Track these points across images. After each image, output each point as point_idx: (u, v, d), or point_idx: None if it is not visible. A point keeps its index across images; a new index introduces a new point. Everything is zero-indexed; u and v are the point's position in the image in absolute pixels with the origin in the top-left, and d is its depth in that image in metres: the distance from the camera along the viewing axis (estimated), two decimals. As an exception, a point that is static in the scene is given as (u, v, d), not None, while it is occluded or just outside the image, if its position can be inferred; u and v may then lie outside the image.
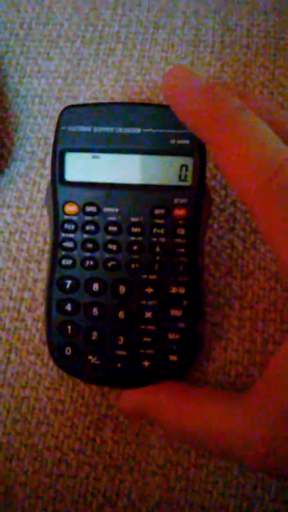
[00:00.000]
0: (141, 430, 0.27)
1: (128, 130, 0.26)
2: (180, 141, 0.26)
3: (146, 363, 0.26)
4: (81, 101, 0.35)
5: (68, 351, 0.26)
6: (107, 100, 0.35)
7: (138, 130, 0.26)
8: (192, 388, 0.25)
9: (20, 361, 0.29)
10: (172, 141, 0.26)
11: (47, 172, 0.33)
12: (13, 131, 0.34)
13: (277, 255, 0.20)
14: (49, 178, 0.32)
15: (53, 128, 0.34)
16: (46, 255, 0.31)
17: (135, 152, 0.26)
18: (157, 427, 0.27)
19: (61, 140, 0.27)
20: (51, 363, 0.28)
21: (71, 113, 0.27)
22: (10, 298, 0.30)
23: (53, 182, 0.27)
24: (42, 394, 0.28)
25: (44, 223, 0.32)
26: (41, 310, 0.29)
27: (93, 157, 0.26)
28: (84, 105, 0.28)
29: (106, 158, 0.26)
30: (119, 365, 0.26)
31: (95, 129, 0.26)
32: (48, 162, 0.33)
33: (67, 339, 0.26)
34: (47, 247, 0.31)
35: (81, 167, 0.27)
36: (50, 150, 0.33)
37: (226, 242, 0.31)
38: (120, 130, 0.26)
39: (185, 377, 0.27)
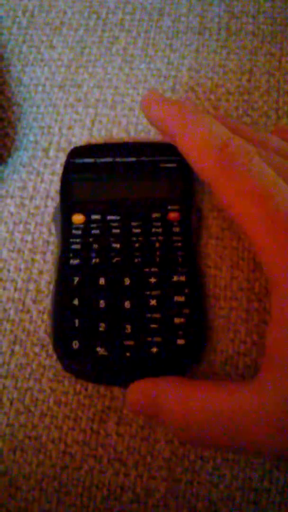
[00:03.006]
0: (146, 423, 0.27)
1: (125, 160, 0.31)
2: (169, 165, 0.30)
3: (154, 349, 0.26)
4: (84, 89, 0.35)
5: (75, 344, 0.26)
6: (111, 90, 0.35)
7: (134, 159, 0.31)
8: (196, 380, 0.25)
9: (24, 353, 0.28)
10: (162, 165, 0.30)
11: (51, 162, 0.33)
12: (16, 120, 0.34)
13: (240, 224, 0.24)
14: (52, 168, 0.32)
15: (56, 117, 0.34)
16: (51, 247, 0.30)
17: (132, 175, 0.30)
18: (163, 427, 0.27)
19: (69, 169, 0.31)
20: (55, 354, 0.28)
21: (78, 150, 0.32)
22: (15, 289, 0.30)
23: (62, 203, 0.30)
24: (45, 385, 0.28)
25: (48, 214, 0.31)
26: (46, 302, 0.29)
27: (97, 181, 0.30)
28: (89, 144, 0.33)
29: (107, 181, 0.30)
30: (127, 354, 0.26)
31: (98, 160, 0.31)
32: (52, 152, 0.33)
33: (75, 332, 0.26)
34: (52, 238, 0.31)
35: (86, 189, 0.30)
36: (54, 139, 0.33)
37: (232, 235, 0.30)
38: (118, 159, 0.31)
39: (195, 366, 0.27)
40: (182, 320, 0.27)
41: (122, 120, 0.34)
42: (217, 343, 0.28)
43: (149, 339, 0.26)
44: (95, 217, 0.29)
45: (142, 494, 0.26)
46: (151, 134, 0.33)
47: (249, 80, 0.35)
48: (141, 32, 0.36)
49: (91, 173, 0.31)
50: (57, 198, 0.31)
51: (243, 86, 0.34)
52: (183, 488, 0.26)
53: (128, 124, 0.34)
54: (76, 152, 0.31)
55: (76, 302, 0.27)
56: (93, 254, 0.28)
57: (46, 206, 0.32)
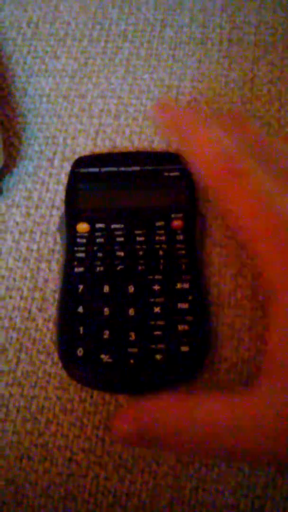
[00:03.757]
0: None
1: (129, 169, 0.31)
2: (172, 173, 0.31)
3: (158, 357, 0.26)
4: (89, 99, 0.35)
5: (80, 352, 0.26)
6: (114, 100, 0.35)
7: (138, 168, 0.31)
8: (192, 394, 0.25)
9: (30, 361, 0.29)
10: (166, 174, 0.31)
11: (56, 171, 0.33)
12: (21, 131, 0.34)
13: (242, 232, 0.24)
14: (57, 178, 0.33)
15: (60, 127, 0.34)
16: (56, 255, 0.31)
17: (136, 184, 0.31)
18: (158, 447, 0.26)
19: (74, 179, 0.31)
20: (60, 362, 0.28)
21: (82, 159, 0.32)
22: (21, 298, 0.30)
23: (66, 212, 0.30)
24: (51, 393, 0.28)
25: (54, 223, 0.32)
26: (51, 310, 0.29)
27: (101, 189, 0.31)
28: (93, 154, 0.33)
29: (112, 190, 0.31)
30: (131, 361, 0.26)
31: (102, 170, 0.31)
32: (57, 162, 0.33)
33: (80, 340, 0.27)
34: (57, 247, 0.31)
35: (91, 199, 0.31)
36: (58, 149, 0.34)
37: (236, 242, 0.30)
38: (123, 169, 0.31)
39: (199, 373, 0.27)
40: (185, 327, 0.27)
41: (125, 129, 0.34)
42: (221, 350, 0.28)
43: (153, 346, 0.26)
44: (99, 225, 0.29)
45: (147, 501, 0.26)
46: (155, 144, 0.34)
47: (251, 90, 0.35)
48: (144, 43, 0.37)
49: (96, 182, 0.31)
50: (62, 207, 0.32)
51: (245, 96, 0.35)
52: (188, 495, 0.26)
53: (132, 134, 0.34)
54: (81, 162, 0.32)
55: (80, 309, 0.27)
56: (98, 262, 0.29)
57: (51, 215, 0.32)
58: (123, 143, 0.34)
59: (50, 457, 0.27)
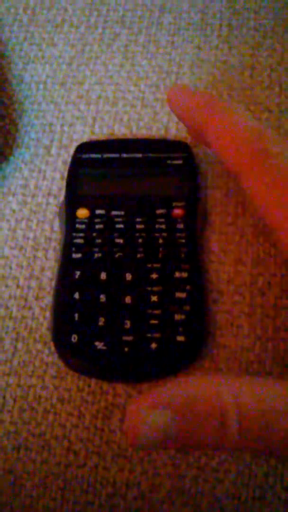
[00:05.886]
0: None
1: (132, 155, 0.31)
2: (175, 161, 0.30)
3: (153, 345, 0.26)
4: (86, 86, 0.35)
5: (74, 338, 0.26)
6: (112, 86, 0.34)
7: (140, 155, 0.31)
8: (233, 375, 0.24)
9: (27, 350, 0.28)
10: (169, 161, 0.30)
11: (52, 159, 0.33)
12: (18, 118, 0.34)
13: (271, 216, 0.23)
14: (54, 166, 0.32)
15: (57, 114, 0.34)
16: (53, 244, 0.30)
17: (138, 171, 0.30)
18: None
19: (76, 164, 0.31)
20: (55, 348, 0.28)
21: (85, 145, 0.32)
22: (17, 286, 0.30)
23: (67, 197, 0.30)
24: (48, 382, 0.28)
25: (50, 212, 0.31)
26: (48, 299, 0.29)
27: (103, 176, 0.30)
28: (96, 140, 0.33)
29: (113, 177, 0.30)
30: (126, 349, 0.26)
31: (104, 155, 0.31)
32: (54, 150, 0.33)
33: (74, 326, 0.26)
34: (54, 236, 0.30)
35: (92, 184, 0.30)
36: (55, 137, 0.33)
37: (236, 229, 0.30)
38: (125, 155, 0.31)
39: (195, 362, 0.27)
40: (182, 316, 0.26)
41: (123, 116, 0.34)
42: (220, 338, 0.28)
43: (149, 335, 0.26)
44: (99, 212, 0.29)
45: (147, 491, 0.26)
46: (153, 131, 0.33)
47: (251, 76, 0.34)
48: (142, 29, 0.36)
49: (98, 169, 0.31)
50: (59, 195, 0.31)
51: (245, 82, 0.34)
52: (188, 484, 0.26)
53: (130, 121, 0.33)
54: (83, 147, 0.31)
55: (76, 296, 0.27)
56: (96, 249, 0.28)
57: (48, 203, 0.31)
58: (121, 130, 0.33)
59: (48, 447, 0.27)
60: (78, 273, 0.28)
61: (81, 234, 0.28)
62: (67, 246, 0.28)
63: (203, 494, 0.26)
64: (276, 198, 0.23)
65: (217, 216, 0.30)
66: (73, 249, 0.28)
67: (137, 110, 0.34)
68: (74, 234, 0.28)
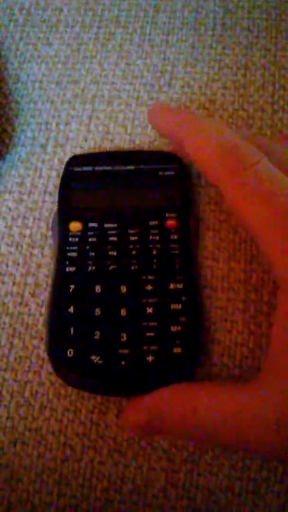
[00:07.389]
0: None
1: (124, 168, 0.31)
2: (167, 173, 0.30)
3: (150, 358, 0.26)
4: (81, 85, 0.35)
5: (70, 353, 0.26)
6: (107, 85, 0.35)
7: (132, 167, 0.31)
8: (196, 384, 0.25)
9: (23, 346, 0.28)
10: (161, 173, 0.30)
11: (48, 157, 0.33)
12: (14, 117, 0.34)
13: (248, 226, 0.24)
14: (50, 164, 0.33)
15: (53, 113, 0.34)
16: (49, 241, 0.31)
17: (130, 183, 0.30)
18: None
19: (68, 177, 0.31)
20: (50, 364, 0.27)
21: (76, 158, 0.31)
22: (14, 283, 0.30)
23: (59, 211, 0.30)
24: (45, 378, 0.28)
25: (46, 209, 0.31)
26: (44, 295, 0.29)
27: (95, 188, 0.30)
28: (88, 153, 0.33)
29: (105, 189, 0.30)
30: (122, 362, 0.25)
31: (96, 168, 0.31)
32: (50, 148, 0.33)
33: (70, 340, 0.26)
34: (50, 233, 0.31)
35: (84, 197, 0.30)
36: (51, 135, 0.33)
37: (229, 227, 0.30)
38: (117, 168, 0.31)
39: (193, 375, 0.27)
40: (178, 328, 0.26)
41: (119, 115, 0.34)
42: (214, 333, 0.28)
43: (145, 347, 0.26)
44: (92, 225, 0.29)
45: (142, 485, 0.26)
46: (148, 130, 0.33)
47: (244, 75, 0.35)
48: (137, 28, 0.37)
49: (90, 181, 0.30)
50: (55, 193, 0.31)
51: (239, 81, 0.35)
52: (182, 478, 0.26)
53: (125, 120, 0.34)
54: (75, 160, 0.31)
55: (71, 310, 0.27)
56: (90, 262, 0.28)
57: (44, 201, 0.32)
58: (116, 129, 0.34)
59: (45, 442, 0.27)
60: (72, 287, 0.27)
61: (75, 248, 0.28)
62: (61, 259, 0.28)
63: (197, 487, 0.26)
64: (253, 209, 0.23)
65: (211, 213, 0.31)
66: (67, 262, 0.28)
67: (132, 108, 0.34)
68: (67, 247, 0.28)
